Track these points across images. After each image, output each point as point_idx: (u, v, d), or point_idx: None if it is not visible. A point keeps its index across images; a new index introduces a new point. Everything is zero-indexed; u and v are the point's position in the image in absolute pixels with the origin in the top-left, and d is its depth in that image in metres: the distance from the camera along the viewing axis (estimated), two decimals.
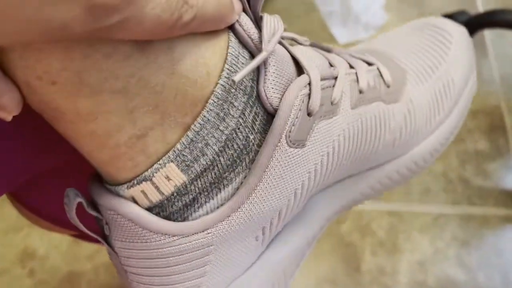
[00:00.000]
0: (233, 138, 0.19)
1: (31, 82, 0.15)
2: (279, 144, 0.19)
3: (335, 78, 0.22)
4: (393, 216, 0.69)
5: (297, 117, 0.19)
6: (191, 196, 0.19)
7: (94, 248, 0.60)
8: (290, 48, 0.21)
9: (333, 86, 0.22)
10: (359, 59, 0.26)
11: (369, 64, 0.26)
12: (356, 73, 0.24)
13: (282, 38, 0.22)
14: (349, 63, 0.25)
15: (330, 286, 0.62)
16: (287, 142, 0.20)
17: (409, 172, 0.29)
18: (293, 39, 0.23)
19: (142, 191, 0.18)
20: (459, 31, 0.31)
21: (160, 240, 0.19)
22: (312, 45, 0.24)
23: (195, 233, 0.19)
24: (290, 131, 0.19)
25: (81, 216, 0.20)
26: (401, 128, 0.26)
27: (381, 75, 0.26)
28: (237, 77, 0.17)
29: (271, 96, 0.19)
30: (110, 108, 0.16)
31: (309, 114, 0.20)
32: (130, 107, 0.16)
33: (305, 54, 0.22)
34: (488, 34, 0.89)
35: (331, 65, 0.23)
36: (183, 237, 0.19)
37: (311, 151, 0.21)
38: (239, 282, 0.22)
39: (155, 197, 0.19)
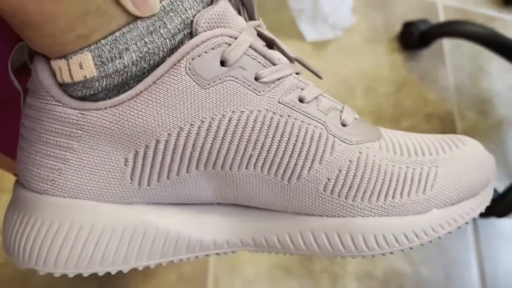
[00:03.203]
0: (153, 53, 0.20)
1: None
2: (178, 64, 0.20)
3: (274, 64, 0.23)
4: None
5: (205, 52, 0.21)
6: (92, 92, 0.21)
7: None
8: (251, 22, 0.23)
9: (266, 67, 0.23)
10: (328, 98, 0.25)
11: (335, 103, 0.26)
12: (305, 83, 0.24)
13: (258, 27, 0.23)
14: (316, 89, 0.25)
15: (283, 273, 0.64)
16: (186, 67, 0.20)
17: (340, 244, 0.25)
18: (278, 46, 0.24)
19: (59, 67, 0.20)
20: (474, 144, 0.27)
21: (45, 98, 0.21)
22: (298, 59, 0.25)
23: (71, 108, 0.21)
24: (193, 58, 0.20)
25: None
26: (339, 170, 0.24)
27: (341, 112, 0.25)
28: None
29: (200, 25, 0.21)
30: (69, 11, 0.18)
31: (222, 63, 0.21)
32: (85, 11, 0.18)
33: (252, 31, 0.23)
34: (447, 43, 0.93)
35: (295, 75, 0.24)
36: (59, 105, 0.21)
37: (211, 99, 0.21)
38: (100, 208, 0.22)
39: (66, 78, 0.21)
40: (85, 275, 0.23)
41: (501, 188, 0.74)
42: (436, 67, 0.90)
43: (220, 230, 0.25)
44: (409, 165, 0.25)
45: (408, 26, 0.87)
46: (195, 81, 0.21)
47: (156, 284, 0.59)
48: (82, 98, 0.21)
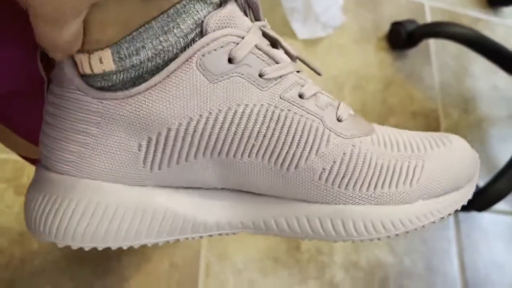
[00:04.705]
0: (167, 50, 0.22)
1: None
2: (189, 60, 0.22)
3: (277, 63, 0.25)
4: None
5: (215, 49, 0.23)
6: (110, 83, 0.23)
7: None
8: (257, 23, 0.25)
9: (270, 65, 0.25)
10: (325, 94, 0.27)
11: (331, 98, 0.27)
12: (305, 81, 0.26)
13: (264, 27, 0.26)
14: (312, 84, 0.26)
15: (272, 262, 0.66)
16: (197, 63, 0.22)
17: (332, 229, 0.27)
18: (278, 41, 0.26)
19: (80, 60, 0.22)
20: (461, 142, 0.30)
21: (68, 87, 0.23)
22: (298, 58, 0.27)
23: (92, 97, 0.23)
24: (203, 55, 0.22)
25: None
26: (333, 161, 0.26)
27: (337, 109, 0.27)
28: None
29: (210, 25, 0.23)
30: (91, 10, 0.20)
31: (229, 60, 0.23)
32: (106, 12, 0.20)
33: (257, 31, 0.25)
34: (433, 44, 0.95)
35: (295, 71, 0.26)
36: (81, 94, 0.23)
37: (218, 93, 0.23)
38: (115, 188, 0.25)
39: (87, 70, 0.23)
40: (100, 249, 0.25)
41: (481, 184, 0.77)
42: (422, 66, 0.92)
43: (223, 213, 0.27)
44: (398, 159, 0.27)
45: (396, 26, 0.89)
46: (204, 76, 0.23)
47: (149, 271, 0.60)
48: (101, 88, 0.23)
